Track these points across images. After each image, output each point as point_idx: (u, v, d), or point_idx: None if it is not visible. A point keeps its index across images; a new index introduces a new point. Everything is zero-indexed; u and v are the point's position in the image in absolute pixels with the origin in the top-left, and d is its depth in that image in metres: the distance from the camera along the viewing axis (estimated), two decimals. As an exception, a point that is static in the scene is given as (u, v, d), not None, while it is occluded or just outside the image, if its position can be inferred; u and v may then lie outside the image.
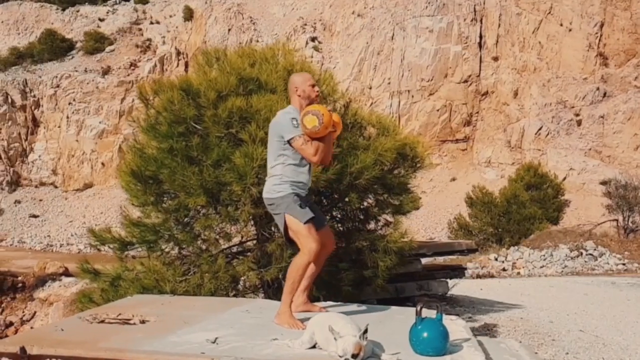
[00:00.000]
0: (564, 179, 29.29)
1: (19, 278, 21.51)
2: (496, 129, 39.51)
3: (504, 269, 18.59)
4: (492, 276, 17.63)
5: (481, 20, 41.17)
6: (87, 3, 53.16)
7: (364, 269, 6.46)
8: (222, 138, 5.82)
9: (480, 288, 13.54)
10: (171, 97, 5.86)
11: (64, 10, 52.39)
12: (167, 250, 6.29)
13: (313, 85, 4.48)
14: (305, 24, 46.09)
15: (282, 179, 4.31)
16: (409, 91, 41.02)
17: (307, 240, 4.21)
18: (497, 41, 40.39)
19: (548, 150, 36.52)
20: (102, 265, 6.72)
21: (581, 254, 18.63)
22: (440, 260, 14.80)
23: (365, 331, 3.32)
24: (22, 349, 3.39)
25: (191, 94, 5.88)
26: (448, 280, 9.99)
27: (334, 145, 4.97)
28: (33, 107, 45.06)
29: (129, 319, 4.29)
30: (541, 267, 18.42)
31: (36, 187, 44.10)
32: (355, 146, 6.37)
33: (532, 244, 20.60)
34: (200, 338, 3.75)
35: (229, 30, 47.08)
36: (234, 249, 6.61)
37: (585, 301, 11.01)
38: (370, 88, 41.88)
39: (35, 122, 45.10)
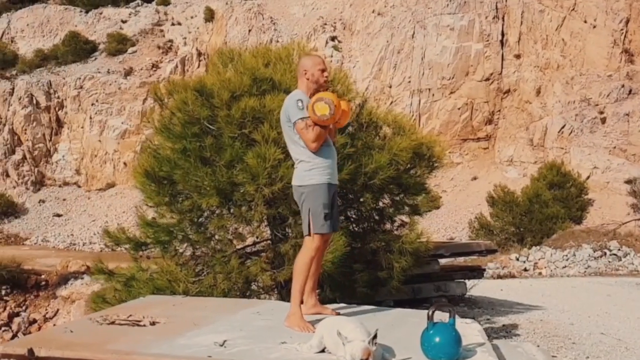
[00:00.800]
0: (588, 177, 28.72)
1: (43, 276, 21.80)
2: (518, 128, 39.01)
3: (525, 269, 18.34)
4: (513, 276, 17.40)
5: (503, 18, 40.69)
6: (109, 5, 53.66)
7: (379, 270, 6.38)
8: (235, 138, 5.79)
9: (500, 289, 13.37)
10: (185, 98, 5.84)
11: (87, 12, 52.93)
12: (181, 250, 6.29)
13: (323, 70, 4.35)
14: (325, 24, 45.98)
15: (311, 163, 4.20)
16: (429, 89, 40.72)
17: (314, 236, 4.20)
18: (520, 39, 39.88)
19: (571, 149, 35.97)
20: (117, 265, 6.74)
21: (605, 254, 18.29)
22: (460, 260, 14.64)
23: (375, 336, 3.25)
24: (30, 351, 3.38)
25: (205, 95, 5.86)
26: (466, 281, 9.85)
27: (337, 135, 4.85)
28: (57, 108, 45.61)
29: (139, 321, 4.27)
30: (563, 267, 18.15)
31: (60, 186, 44.63)
32: (370, 146, 6.30)
33: (555, 244, 20.31)
34: (208, 340, 3.72)
35: (249, 30, 47.19)
36: (249, 250, 6.59)
37: (608, 302, 10.77)
38: (390, 87, 41.65)
39: (59, 123, 45.65)
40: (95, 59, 48.32)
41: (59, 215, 41.94)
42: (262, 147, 5.45)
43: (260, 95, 5.80)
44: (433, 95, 40.71)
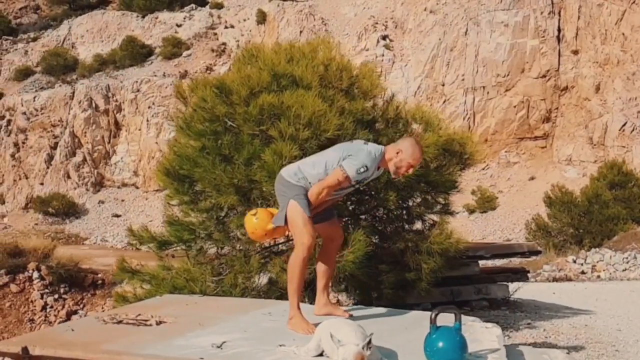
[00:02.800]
0: (652, 177, 27.44)
1: (99, 275, 22.36)
2: (577, 126, 37.63)
3: (582, 272, 17.65)
4: (570, 279, 16.77)
5: (559, 13, 39.34)
6: (165, 10, 54.77)
7: (407, 271, 6.15)
8: (254, 136, 5.69)
9: (553, 292, 12.90)
10: (205, 95, 5.78)
11: (143, 17, 54.22)
12: (205, 249, 6.23)
13: (411, 166, 4.20)
14: (377, 23, 45.55)
15: (306, 181, 4.12)
16: (484, 87, 39.76)
17: (301, 233, 4.02)
18: (577, 34, 38.46)
19: (633, 147, 34.45)
20: (145, 264, 6.74)
21: (669, 256, 17.45)
22: (516, 262, 14.14)
23: (369, 341, 3.08)
24: (25, 349, 3.35)
25: (224, 92, 5.78)
26: (509, 283, 9.47)
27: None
28: (115, 111, 46.83)
29: (147, 320, 4.21)
30: (624, 270, 17.41)
31: (118, 187, 45.77)
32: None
33: (615, 246, 19.51)
34: (207, 342, 3.61)
35: (301, 32, 47.26)
36: (275, 249, 6.47)
37: (665, 308, 10.16)
38: (444, 85, 40.89)
39: (118, 126, 46.87)
40: (152, 62, 49.41)
41: (117, 216, 43.04)
42: (279, 143, 5.32)
43: (280, 92, 5.68)
44: (488, 93, 39.76)
